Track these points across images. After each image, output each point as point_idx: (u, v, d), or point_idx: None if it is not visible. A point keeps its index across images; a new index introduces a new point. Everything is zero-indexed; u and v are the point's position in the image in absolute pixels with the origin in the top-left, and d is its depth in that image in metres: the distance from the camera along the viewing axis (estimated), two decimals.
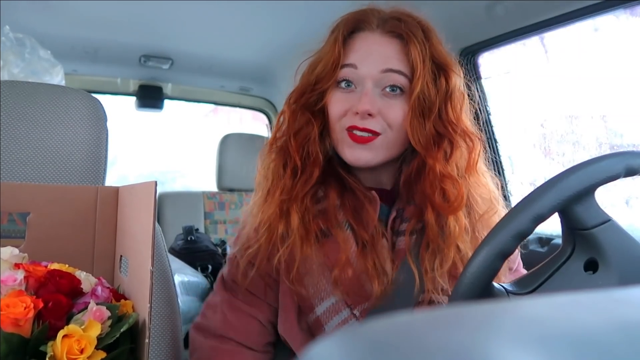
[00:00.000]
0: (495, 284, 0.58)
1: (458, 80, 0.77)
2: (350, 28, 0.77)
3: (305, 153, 0.77)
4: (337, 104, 0.76)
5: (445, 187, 0.74)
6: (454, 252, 0.74)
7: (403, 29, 0.75)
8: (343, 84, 0.76)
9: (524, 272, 0.86)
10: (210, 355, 0.80)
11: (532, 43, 1.45)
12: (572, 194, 0.53)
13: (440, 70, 0.75)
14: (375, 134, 0.73)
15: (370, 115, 0.72)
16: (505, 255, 0.54)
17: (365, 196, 0.78)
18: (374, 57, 0.74)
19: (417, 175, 0.76)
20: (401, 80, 0.74)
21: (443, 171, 0.74)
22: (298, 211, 0.75)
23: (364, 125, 0.73)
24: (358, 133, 0.74)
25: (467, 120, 0.77)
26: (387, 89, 0.74)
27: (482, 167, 0.80)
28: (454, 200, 0.73)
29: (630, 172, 0.53)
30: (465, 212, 0.76)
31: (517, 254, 0.86)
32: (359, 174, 0.81)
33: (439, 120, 0.74)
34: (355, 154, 0.75)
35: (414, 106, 0.73)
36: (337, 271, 0.73)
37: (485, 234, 0.56)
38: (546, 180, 0.54)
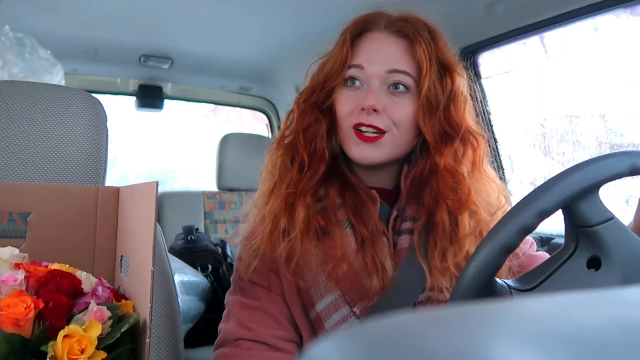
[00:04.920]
0: (497, 279, 0.58)
1: (462, 81, 0.79)
2: (359, 29, 0.79)
3: (312, 149, 0.78)
4: (344, 102, 0.78)
5: (454, 185, 0.75)
6: (460, 251, 0.75)
7: (409, 29, 0.76)
8: (350, 82, 0.78)
9: (538, 254, 0.86)
10: None
11: (532, 43, 1.45)
12: (576, 191, 0.53)
13: (445, 70, 0.77)
14: (381, 131, 0.75)
15: (375, 111, 0.74)
16: (509, 250, 0.54)
17: (366, 194, 0.79)
18: (381, 57, 0.76)
19: (430, 174, 0.77)
20: (406, 80, 0.76)
21: (450, 168, 0.75)
22: (303, 206, 0.76)
23: (370, 121, 0.74)
24: (364, 131, 0.75)
25: (470, 120, 0.79)
26: (392, 87, 0.76)
27: (488, 167, 0.81)
28: (462, 198, 0.74)
29: (634, 171, 0.53)
30: (471, 212, 0.77)
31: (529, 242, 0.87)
32: (361, 173, 0.82)
33: (444, 120, 0.76)
34: (362, 152, 0.76)
35: (423, 103, 0.75)
36: (331, 266, 0.74)
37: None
38: (548, 178, 0.55)
